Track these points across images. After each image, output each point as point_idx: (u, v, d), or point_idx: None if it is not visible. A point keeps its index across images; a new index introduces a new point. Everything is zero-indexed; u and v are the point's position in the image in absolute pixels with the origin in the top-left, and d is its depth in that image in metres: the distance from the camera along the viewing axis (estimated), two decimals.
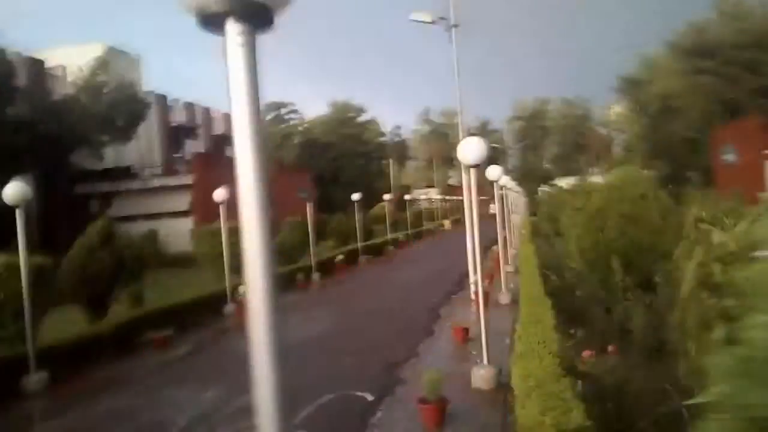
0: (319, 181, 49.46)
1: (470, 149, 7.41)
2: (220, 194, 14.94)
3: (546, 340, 6.30)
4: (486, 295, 12.81)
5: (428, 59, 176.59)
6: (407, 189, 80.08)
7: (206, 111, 51.93)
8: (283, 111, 56.36)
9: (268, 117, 56.78)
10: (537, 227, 27.70)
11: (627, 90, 58.73)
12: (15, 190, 9.09)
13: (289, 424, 1.45)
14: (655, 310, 8.23)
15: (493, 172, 13.06)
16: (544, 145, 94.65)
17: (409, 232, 35.38)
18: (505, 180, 18.63)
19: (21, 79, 29.27)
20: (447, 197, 64.99)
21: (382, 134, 65.32)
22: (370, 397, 7.29)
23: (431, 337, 10.46)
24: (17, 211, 9.21)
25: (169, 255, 28.20)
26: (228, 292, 14.52)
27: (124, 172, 35.35)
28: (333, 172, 54.15)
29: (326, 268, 21.00)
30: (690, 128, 46.49)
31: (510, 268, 17.05)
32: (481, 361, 7.59)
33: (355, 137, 56.10)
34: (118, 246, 13.22)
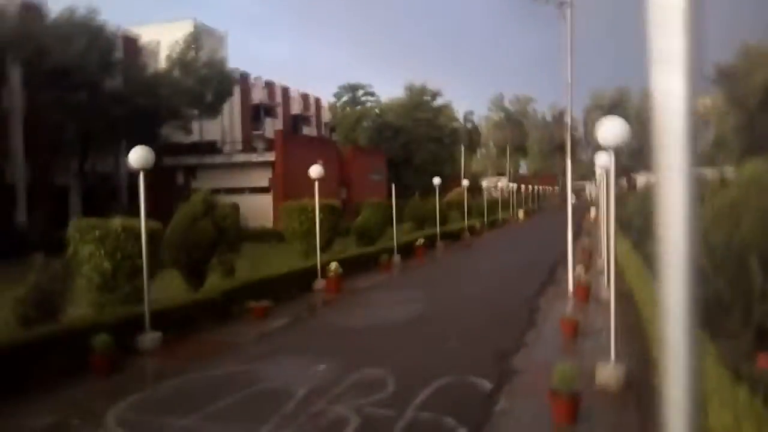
0: (390, 165, 49.36)
1: (611, 130, 6.91)
2: (315, 170, 14.98)
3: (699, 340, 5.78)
4: (587, 289, 12.29)
5: (504, 44, 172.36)
6: (478, 176, 78.87)
7: (285, 90, 52.74)
8: (359, 93, 56.46)
9: (344, 99, 57.09)
10: (628, 221, 26.32)
11: (723, 81, 55.08)
12: (139, 154, 9.36)
13: (697, 420, 1.16)
14: None
15: (603, 160, 12.35)
16: None
17: (485, 220, 34.68)
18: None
19: (118, 54, 30.56)
20: (516, 186, 63.37)
21: (456, 120, 64.28)
22: (488, 385, 7.01)
23: (535, 328, 10.05)
24: (140, 175, 9.48)
25: (250, 229, 28.89)
26: (318, 268, 14.62)
27: (209, 147, 36.46)
28: (405, 156, 53.87)
29: (406, 251, 20.84)
30: None
31: (602, 262, 16.31)
32: (607, 357, 7.15)
33: (429, 122, 55.45)
34: (218, 216, 13.49)
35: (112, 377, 7.77)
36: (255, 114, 48.12)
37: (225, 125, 42.15)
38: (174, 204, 31.92)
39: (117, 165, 33.22)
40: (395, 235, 20.25)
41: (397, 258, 19.48)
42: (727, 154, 63.48)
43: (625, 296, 11.33)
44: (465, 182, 31.52)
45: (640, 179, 61.16)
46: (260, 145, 45.83)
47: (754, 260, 8.25)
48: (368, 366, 7.61)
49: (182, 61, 30.34)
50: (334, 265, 14.27)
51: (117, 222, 10.54)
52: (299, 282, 14.26)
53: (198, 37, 32.66)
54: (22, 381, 7.19)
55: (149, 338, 9.17)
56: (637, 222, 22.97)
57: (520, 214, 47.25)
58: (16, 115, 28.78)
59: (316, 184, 15.10)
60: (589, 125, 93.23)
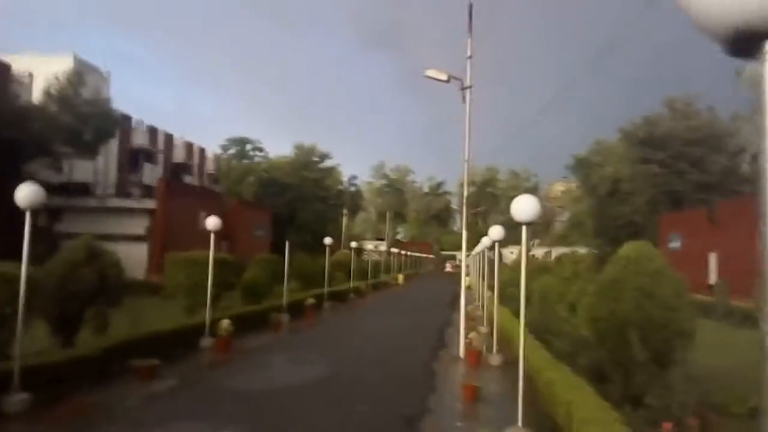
0: (274, 221, 48.70)
1: (525, 206, 7.51)
2: (213, 222, 14.43)
3: (602, 407, 6.28)
4: (478, 354, 12.82)
5: (389, 113, 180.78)
6: (358, 239, 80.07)
7: (168, 137, 50.77)
8: (247, 147, 55.79)
9: (231, 151, 56.08)
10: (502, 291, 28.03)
11: (579, 169, 61.92)
12: (28, 192, 8.49)
13: None
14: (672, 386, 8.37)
15: (497, 232, 13.25)
16: (491, 211, 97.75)
17: (368, 282, 35.08)
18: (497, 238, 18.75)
19: None
20: (397, 251, 65.23)
21: (342, 182, 65.54)
22: None
23: (436, 392, 10.21)
24: (27, 215, 8.58)
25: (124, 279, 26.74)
26: (207, 325, 13.82)
27: (80, 189, 33.70)
28: (290, 214, 53.55)
29: (295, 310, 20.40)
30: (636, 212, 49.16)
31: (483, 329, 17.13)
32: (513, 422, 7.45)
33: (317, 182, 56.00)
34: (103, 265, 12.39)
35: None
36: (133, 158, 45.56)
37: (99, 167, 39.35)
38: (34, 248, 28.81)
39: None
40: (285, 293, 19.78)
41: (286, 317, 18.99)
42: (580, 235, 70.57)
43: (514, 362, 11.95)
44: (353, 244, 31.95)
45: (509, 250, 65.80)
46: (136, 191, 43.28)
47: (633, 333, 9.19)
48: None
49: (61, 96, 28.26)
50: (225, 322, 13.58)
51: None
52: (185, 340, 13.36)
53: (80, 72, 30.76)
54: None
55: (17, 400, 8.02)
56: (514, 291, 24.52)
57: (400, 278, 48.42)
58: None
59: (213, 236, 14.51)
60: (461, 198, 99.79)
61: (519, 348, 12.21)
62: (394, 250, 60.49)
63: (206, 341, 13.78)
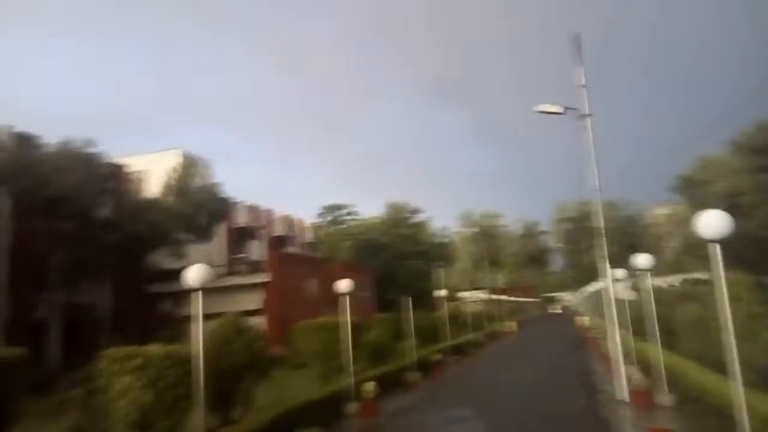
0: (375, 281, 49.05)
1: (714, 221, 6.90)
2: (345, 285, 14.60)
3: None
4: (647, 394, 11.79)
5: (466, 161, 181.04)
6: (454, 290, 78.81)
7: (268, 213, 53.21)
8: (342, 212, 57.36)
9: (327, 218, 57.79)
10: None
11: (684, 189, 58.23)
12: (197, 272, 8.97)
13: None
14: None
15: (644, 260, 12.42)
16: (591, 246, 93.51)
17: (485, 332, 34.06)
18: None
19: (111, 183, 30.61)
20: (498, 298, 63.29)
21: (435, 235, 65.37)
22: None
23: None
24: (199, 296, 9.03)
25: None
26: (351, 390, 13.74)
27: None
28: (388, 272, 53.79)
29: (422, 367, 19.97)
30: (763, 227, 45.15)
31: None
32: None
33: (410, 238, 56.18)
34: (249, 339, 12.76)
35: None
36: (238, 237, 47.94)
37: (210, 249, 41.66)
38: (162, 332, 30.45)
39: (103, 294, 31.98)
40: (413, 351, 19.49)
41: (416, 375, 18.60)
42: (699, 260, 65.58)
43: (691, 400, 10.89)
44: (466, 294, 31.24)
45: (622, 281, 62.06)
46: (243, 267, 45.22)
47: None
48: None
49: (178, 187, 30.52)
50: (370, 385, 13.46)
51: (158, 348, 9.83)
52: (331, 407, 13.31)
53: (191, 163, 33.20)
54: None
55: None
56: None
57: (513, 325, 46.72)
58: (1, 248, 27.86)
59: (347, 299, 14.65)
60: (559, 235, 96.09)
61: (692, 384, 11.15)
62: (495, 297, 58.71)
63: (351, 406, 13.67)
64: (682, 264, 77.15)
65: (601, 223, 15.45)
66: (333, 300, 41.93)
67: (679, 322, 15.46)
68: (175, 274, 36.52)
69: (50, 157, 27.05)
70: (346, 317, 14.87)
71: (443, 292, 24.58)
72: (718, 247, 7.05)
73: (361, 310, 39.58)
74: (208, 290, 35.58)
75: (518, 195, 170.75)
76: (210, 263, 38.79)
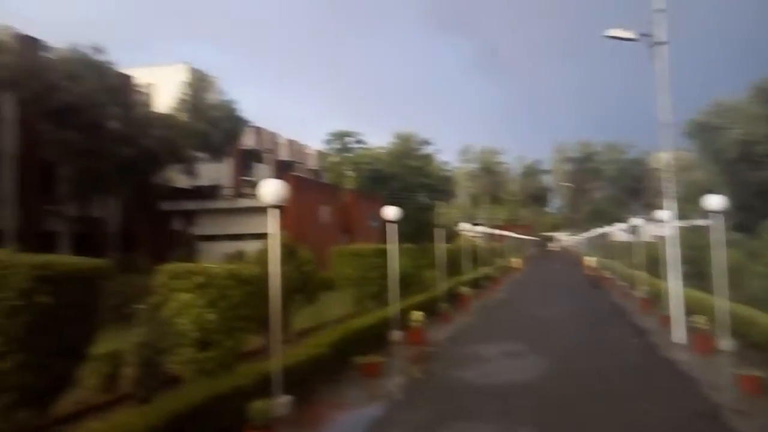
0: None
1: (717, 201, 6.19)
2: (391, 213, 13.97)
3: None
4: (709, 338, 11.51)
5: (467, 95, 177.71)
6: (453, 225, 78.79)
7: (273, 136, 51.90)
8: (349, 140, 56.09)
9: (333, 146, 56.58)
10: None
11: (698, 135, 57.26)
12: (273, 189, 8.27)
13: None
14: None
15: (717, 201, 11.82)
16: (593, 187, 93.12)
17: (496, 267, 34.03)
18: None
19: (119, 95, 29.16)
20: (499, 234, 63.35)
21: (446, 169, 64.35)
22: None
23: (697, 385, 9.08)
24: (276, 213, 8.39)
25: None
26: (396, 318, 13.42)
27: (209, 192, 34.90)
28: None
29: (449, 299, 19.78)
30: None
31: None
32: None
33: (418, 170, 55.34)
34: (300, 262, 12.24)
35: None
36: (245, 159, 46.89)
37: (220, 170, 40.74)
38: (173, 250, 29.89)
39: (113, 210, 31.28)
40: (441, 283, 19.20)
41: (445, 306, 18.37)
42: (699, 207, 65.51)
43: (752, 346, 10.62)
44: (481, 228, 30.88)
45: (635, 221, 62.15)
46: (249, 190, 44.46)
47: None
48: None
49: (192, 103, 29.19)
50: (418, 314, 13.11)
51: (221, 267, 9.25)
52: (376, 333, 12.99)
53: (203, 78, 31.67)
54: None
55: (283, 402, 7.80)
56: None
57: (519, 262, 46.88)
58: (8, 157, 26.76)
59: (395, 227, 14.06)
60: (559, 175, 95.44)
61: (752, 330, 10.85)
62: (497, 232, 58.55)
63: (396, 334, 13.38)
64: (685, 212, 77.51)
65: (666, 165, 14.74)
66: (346, 226, 41.51)
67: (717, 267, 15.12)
68: (186, 193, 35.81)
69: (60, 63, 25.51)
70: (393, 245, 14.31)
71: (466, 226, 24.07)
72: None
73: (372, 240, 39.35)
74: (223, 211, 34.83)
75: (521, 132, 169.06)
76: (220, 184, 37.81)
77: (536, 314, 18.27)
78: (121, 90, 27.86)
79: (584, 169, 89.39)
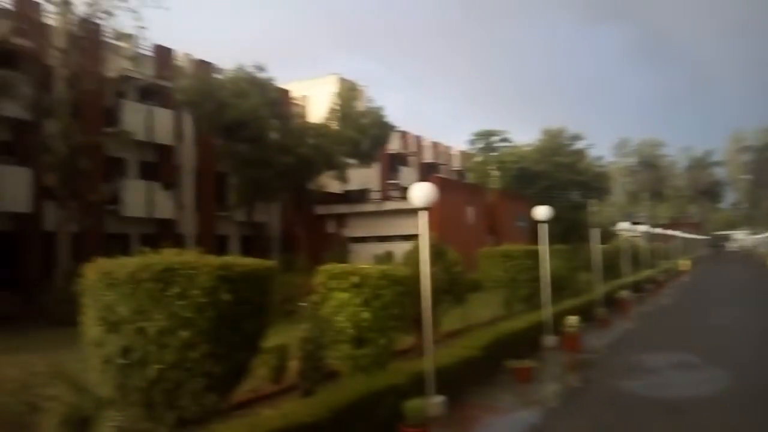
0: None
1: None
2: (542, 212, 13.48)
3: None
4: None
5: (621, 88, 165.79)
6: (608, 224, 73.80)
7: (418, 139, 52.74)
8: (494, 139, 55.22)
9: (478, 146, 56.06)
10: None
11: None
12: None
13: None
14: None
15: None
16: None
17: (661, 269, 31.27)
18: None
19: (279, 109, 31.59)
20: (665, 233, 57.98)
21: (599, 165, 60.58)
22: None
23: None
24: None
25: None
26: (549, 322, 12.91)
27: (359, 196, 36.52)
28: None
29: (608, 303, 18.55)
30: None
31: None
32: None
33: (568, 166, 52.68)
34: (447, 263, 12.31)
35: None
36: (391, 163, 48.24)
37: (368, 174, 42.40)
38: (327, 252, 31.50)
39: (273, 214, 34.00)
40: (600, 286, 18.09)
41: (605, 311, 17.26)
42: None
43: None
44: (642, 227, 28.59)
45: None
46: (396, 193, 45.57)
47: None
48: None
49: (342, 112, 30.80)
50: (574, 319, 12.50)
51: (374, 268, 9.60)
52: (529, 338, 12.59)
53: (353, 89, 33.20)
54: None
55: (437, 402, 7.88)
56: None
57: (687, 264, 42.68)
58: (188, 170, 30.31)
59: (546, 227, 13.56)
60: (736, 167, 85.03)
61: None
62: (660, 231, 53.77)
63: (549, 339, 12.87)
64: None
65: None
66: (492, 227, 40.94)
67: None
68: (338, 197, 37.86)
69: (228, 83, 28.32)
70: (544, 246, 13.80)
71: (624, 225, 22.41)
72: None
73: (519, 241, 38.31)
74: (372, 214, 36.26)
75: (685, 123, 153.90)
76: (368, 188, 39.45)
77: (710, 324, 16.44)
78: (280, 104, 30.19)
79: (766, 158, 78.74)
